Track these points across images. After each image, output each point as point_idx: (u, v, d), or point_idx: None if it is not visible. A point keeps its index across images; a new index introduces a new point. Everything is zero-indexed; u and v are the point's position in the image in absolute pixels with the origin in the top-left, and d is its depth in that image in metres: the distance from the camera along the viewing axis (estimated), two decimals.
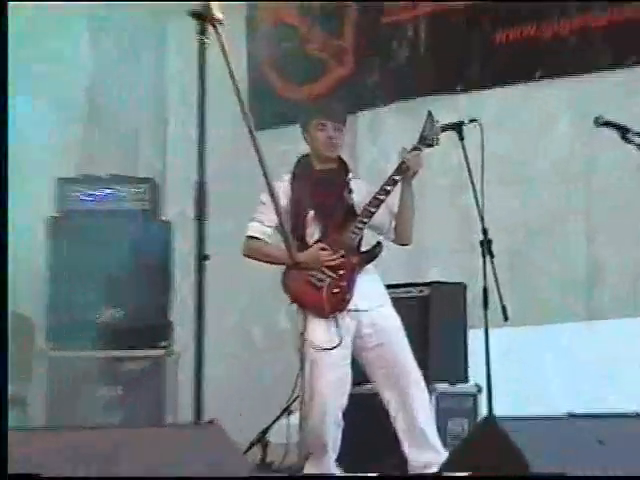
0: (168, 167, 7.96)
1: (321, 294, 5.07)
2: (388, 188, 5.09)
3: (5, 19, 4.06)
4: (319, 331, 5.04)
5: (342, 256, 5.09)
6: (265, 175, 3.45)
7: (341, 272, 5.09)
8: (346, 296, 5.08)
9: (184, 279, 7.12)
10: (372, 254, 5.18)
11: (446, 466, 4.06)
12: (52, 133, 7.93)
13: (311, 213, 5.15)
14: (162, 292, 7.12)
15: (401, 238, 5.30)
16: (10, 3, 4.11)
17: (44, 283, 7.15)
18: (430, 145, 5.16)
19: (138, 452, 2.91)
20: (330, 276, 5.08)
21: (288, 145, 6.95)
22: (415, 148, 5.14)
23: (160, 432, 3.30)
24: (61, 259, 7.11)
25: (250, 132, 3.44)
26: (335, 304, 5.06)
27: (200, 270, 3.46)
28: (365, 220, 5.10)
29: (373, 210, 5.09)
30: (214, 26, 3.50)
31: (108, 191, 7.28)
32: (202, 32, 3.55)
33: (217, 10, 3.50)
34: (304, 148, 5.31)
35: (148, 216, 7.21)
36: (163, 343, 6.97)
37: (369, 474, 5.28)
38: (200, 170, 3.56)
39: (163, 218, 7.16)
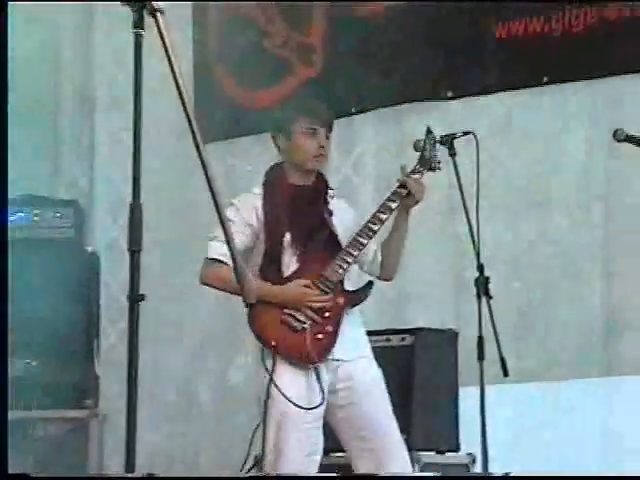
0: (96, 185, 7.88)
1: (303, 340, 5.00)
2: (383, 217, 5.09)
3: (5, 19, 4.11)
4: (294, 383, 4.97)
5: (325, 294, 5.05)
6: (213, 196, 3.37)
7: (326, 314, 5.05)
8: (331, 344, 5.04)
9: (113, 324, 7.07)
10: (362, 295, 5.17)
11: None
12: None
13: (287, 237, 5.10)
14: (87, 339, 7.07)
15: (387, 273, 5.31)
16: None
17: None
18: (433, 169, 5.18)
19: None
20: (313, 319, 5.03)
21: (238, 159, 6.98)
22: (416, 171, 5.13)
23: None
24: None
25: (196, 145, 3.37)
26: (319, 352, 5.01)
27: (133, 312, 3.36)
28: (355, 253, 5.07)
29: (365, 242, 5.08)
30: (153, 16, 3.43)
31: (21, 215, 7.24)
32: (138, 23, 3.48)
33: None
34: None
35: (71, 246, 7.18)
36: (87, 402, 6.92)
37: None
38: (135, 189, 3.47)
39: (89, 249, 7.10)
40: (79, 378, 7.02)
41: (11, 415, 6.84)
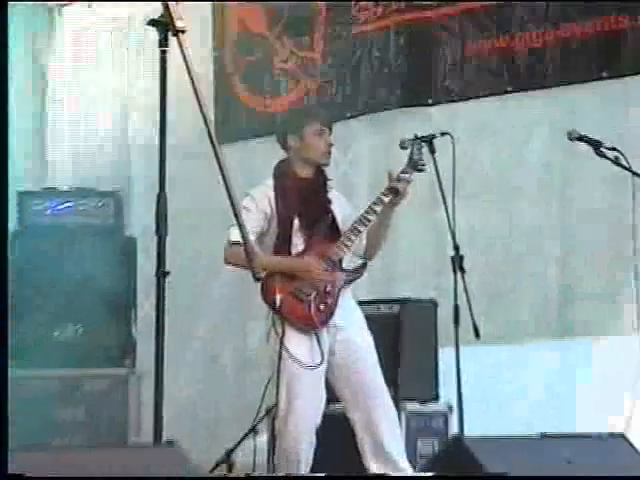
0: (133, 179, 7.91)
1: (308, 308, 5.09)
2: (377, 209, 5.14)
3: (5, 19, 4.06)
4: (301, 346, 5.07)
5: (325, 271, 5.12)
6: (227, 189, 3.45)
7: (328, 289, 5.13)
8: (331, 313, 5.12)
9: (147, 296, 7.13)
10: (357, 273, 5.25)
11: None
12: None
13: (296, 222, 5.17)
14: (125, 309, 7.12)
15: (369, 255, 5.36)
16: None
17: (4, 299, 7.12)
18: (420, 170, 5.22)
19: (94, 474, 2.87)
20: (318, 291, 5.10)
21: (258, 158, 7.00)
22: (406, 171, 5.18)
23: (117, 453, 3.25)
24: (20, 275, 7.09)
25: (212, 145, 3.44)
26: (321, 320, 5.10)
27: (160, 287, 3.45)
28: (353, 238, 5.15)
29: (362, 229, 5.15)
30: (176, 35, 3.47)
31: (70, 205, 7.28)
32: (163, 41, 3.53)
33: (179, 18, 3.47)
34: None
35: (112, 231, 7.22)
36: (126, 362, 6.97)
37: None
38: (161, 182, 3.56)
39: (127, 233, 7.15)
40: (119, 341, 7.07)
41: (64, 372, 6.98)
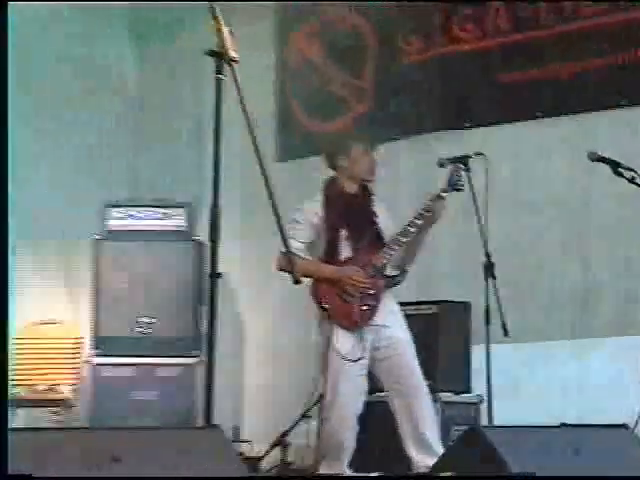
0: (203, 191, 7.96)
1: (352, 309, 5.12)
2: (418, 222, 5.15)
3: (5, 19, 3.84)
4: (346, 342, 5.11)
5: (371, 277, 5.15)
6: (272, 201, 3.49)
7: (371, 292, 5.16)
8: (374, 313, 5.15)
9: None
10: (397, 279, 5.27)
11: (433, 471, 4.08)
12: (101, 160, 8.04)
13: (343, 232, 5.19)
14: (194, 304, 7.18)
15: (405, 264, 5.34)
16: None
17: (89, 296, 7.24)
18: (459, 190, 5.20)
19: (138, 453, 2.89)
20: (361, 294, 5.13)
21: (315, 173, 7.03)
22: (444, 190, 5.17)
23: (162, 434, 3.23)
24: (105, 275, 7.19)
25: (260, 163, 3.49)
26: (364, 319, 5.13)
27: (213, 285, 3.49)
28: (396, 248, 5.17)
29: (404, 240, 5.16)
30: (230, 64, 3.52)
31: (149, 213, 7.37)
32: (219, 70, 3.58)
33: (232, 49, 3.52)
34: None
35: (185, 236, 7.29)
36: (195, 352, 7.03)
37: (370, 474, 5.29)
38: (214, 196, 3.61)
39: (197, 238, 7.22)
40: (189, 333, 7.14)
41: (140, 360, 7.05)
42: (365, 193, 5.35)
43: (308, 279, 5.12)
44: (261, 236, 7.24)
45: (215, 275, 3.46)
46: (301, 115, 7.64)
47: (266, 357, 7.57)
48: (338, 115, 7.42)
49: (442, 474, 3.63)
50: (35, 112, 7.62)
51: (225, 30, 3.53)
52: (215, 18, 3.51)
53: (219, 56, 3.52)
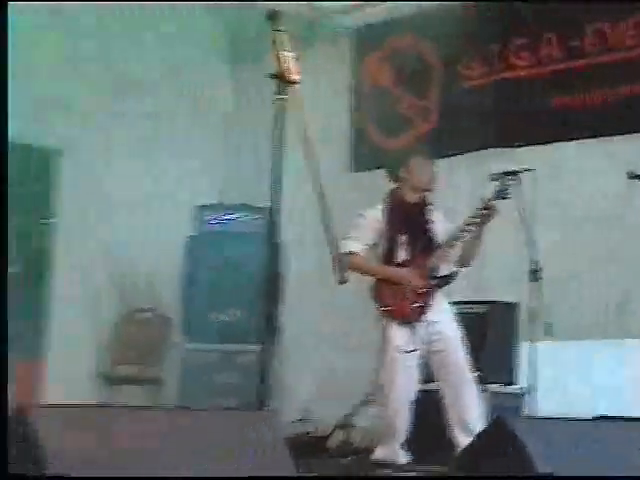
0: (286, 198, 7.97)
1: (407, 306, 5.12)
2: (468, 227, 5.13)
3: (5, 19, 3.62)
4: (401, 336, 5.11)
5: (425, 277, 5.14)
6: (323, 211, 3.49)
7: (424, 290, 5.15)
8: (425, 310, 5.15)
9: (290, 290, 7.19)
10: (448, 280, 5.26)
11: (457, 462, 4.02)
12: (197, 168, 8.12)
13: (403, 237, 5.18)
14: (272, 299, 7.19)
15: (464, 263, 5.34)
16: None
17: (181, 289, 7.33)
18: (505, 198, 5.15)
19: (189, 432, 2.90)
20: (415, 293, 5.12)
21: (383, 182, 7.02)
22: (492, 199, 5.12)
23: (216, 415, 3.26)
24: (195, 270, 7.26)
25: (314, 178, 3.48)
26: (416, 316, 5.13)
27: (275, 281, 3.49)
28: (450, 250, 5.17)
29: (456, 244, 5.16)
30: (292, 86, 3.51)
31: (235, 216, 7.43)
32: (280, 91, 3.58)
33: (295, 73, 3.51)
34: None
35: (264, 238, 7.31)
36: (270, 340, 7.03)
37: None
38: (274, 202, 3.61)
39: (278, 241, 7.23)
40: (266, 324, 7.15)
41: (224, 347, 7.11)
42: (423, 202, 5.34)
43: (369, 279, 5.14)
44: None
45: (275, 275, 3.43)
46: (372, 131, 7.65)
47: (337, 347, 7.56)
48: (402, 132, 7.42)
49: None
50: (145, 124, 7.73)
51: (288, 55, 3.52)
52: (274, 44, 3.50)
53: (279, 79, 3.51)
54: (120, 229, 7.46)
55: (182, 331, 7.23)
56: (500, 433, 3.21)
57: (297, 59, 3.50)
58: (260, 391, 3.59)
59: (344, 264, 3.78)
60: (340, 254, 3.79)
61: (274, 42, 3.53)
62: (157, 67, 7.89)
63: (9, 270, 6.88)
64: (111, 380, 7.25)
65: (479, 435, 3.53)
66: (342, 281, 3.65)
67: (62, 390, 6.52)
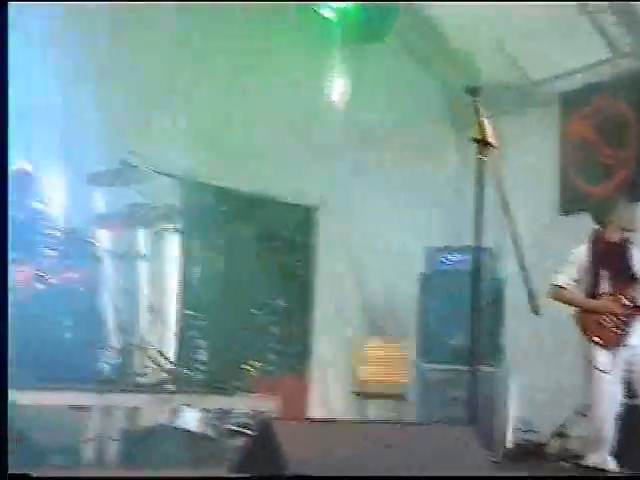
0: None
1: (609, 333, 4.94)
2: None
3: (5, 19, 3.21)
4: (603, 358, 4.95)
5: (625, 307, 4.95)
6: (517, 250, 3.37)
7: (624, 319, 4.96)
8: (626, 336, 4.97)
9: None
10: None
11: None
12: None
13: (605, 272, 5.01)
14: (497, 325, 7.00)
15: None
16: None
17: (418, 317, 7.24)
18: None
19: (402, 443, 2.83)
20: (616, 321, 4.94)
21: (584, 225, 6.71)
22: None
23: (422, 429, 3.14)
24: (430, 303, 7.18)
25: (508, 225, 3.38)
26: (617, 341, 4.96)
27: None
28: None
29: None
30: (488, 149, 3.47)
31: (459, 257, 7.33)
32: (481, 152, 3.54)
33: (492, 137, 3.48)
34: None
35: (483, 275, 7.12)
36: (492, 362, 6.86)
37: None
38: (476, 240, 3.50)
39: (494, 277, 7.06)
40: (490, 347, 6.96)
41: (452, 366, 6.91)
42: (625, 241, 5.11)
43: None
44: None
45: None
46: (577, 180, 7.38)
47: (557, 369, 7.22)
48: (602, 180, 7.10)
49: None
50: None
51: (486, 121, 3.49)
52: (476, 112, 3.48)
53: (480, 142, 3.49)
54: (370, 269, 7.57)
55: (418, 353, 7.17)
56: None
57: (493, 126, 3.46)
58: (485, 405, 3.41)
59: (535, 298, 3.62)
60: (532, 290, 3.63)
61: (476, 111, 3.52)
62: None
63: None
64: (364, 395, 7.30)
65: None
66: (536, 311, 3.52)
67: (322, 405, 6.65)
